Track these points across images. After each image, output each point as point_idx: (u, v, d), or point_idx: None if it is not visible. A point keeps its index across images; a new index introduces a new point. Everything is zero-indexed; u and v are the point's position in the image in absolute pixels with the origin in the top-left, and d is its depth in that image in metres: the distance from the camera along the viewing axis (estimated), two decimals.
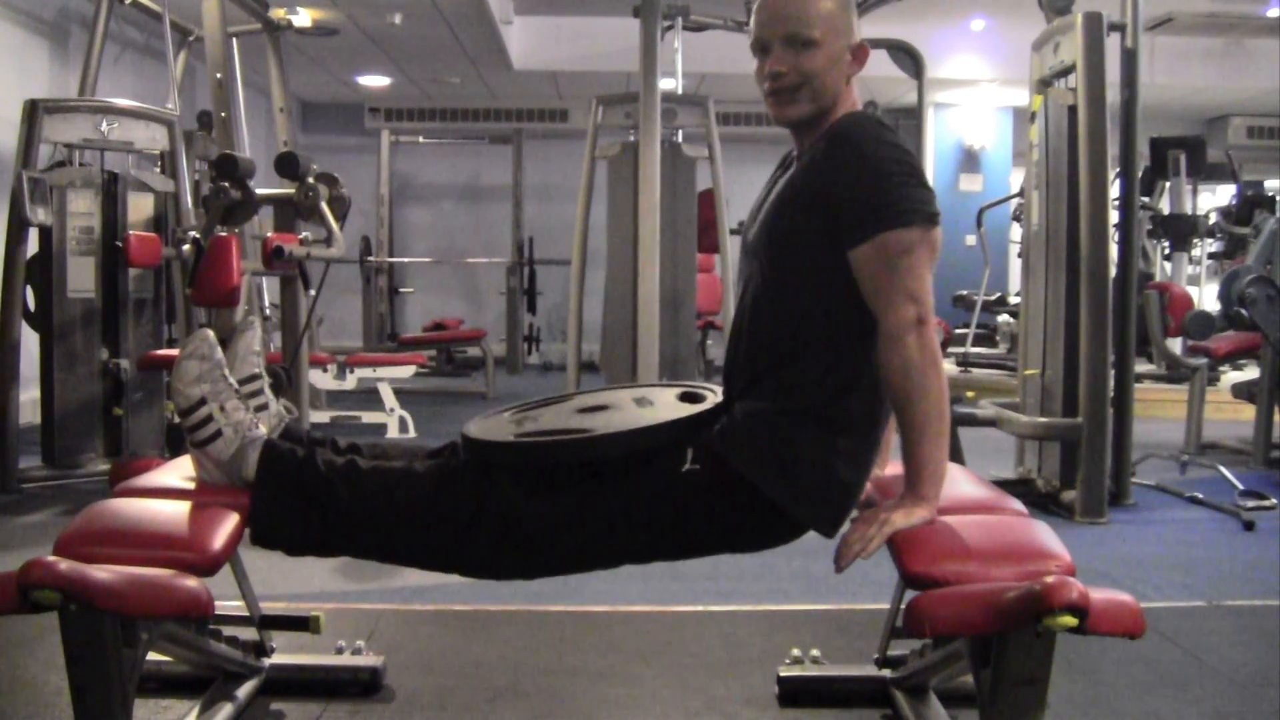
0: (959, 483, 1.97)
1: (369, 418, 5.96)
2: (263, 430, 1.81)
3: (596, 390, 1.99)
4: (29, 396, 4.65)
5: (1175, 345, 5.75)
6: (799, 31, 1.73)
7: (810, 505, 1.69)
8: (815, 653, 2.37)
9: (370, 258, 9.61)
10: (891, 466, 1.94)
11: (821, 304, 1.70)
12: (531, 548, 1.70)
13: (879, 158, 1.68)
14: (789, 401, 1.69)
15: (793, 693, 2.26)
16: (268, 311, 5.78)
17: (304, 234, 3.93)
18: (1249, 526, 3.94)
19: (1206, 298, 7.99)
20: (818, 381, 1.69)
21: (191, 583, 1.56)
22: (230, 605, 2.11)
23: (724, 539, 1.74)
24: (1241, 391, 5.68)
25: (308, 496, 1.72)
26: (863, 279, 1.66)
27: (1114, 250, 4.33)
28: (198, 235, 3.91)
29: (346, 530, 1.73)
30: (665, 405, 1.80)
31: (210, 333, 1.82)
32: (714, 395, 1.81)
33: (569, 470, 1.69)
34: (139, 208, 4.58)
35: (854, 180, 1.67)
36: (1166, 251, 7.46)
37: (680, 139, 6.44)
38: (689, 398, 1.83)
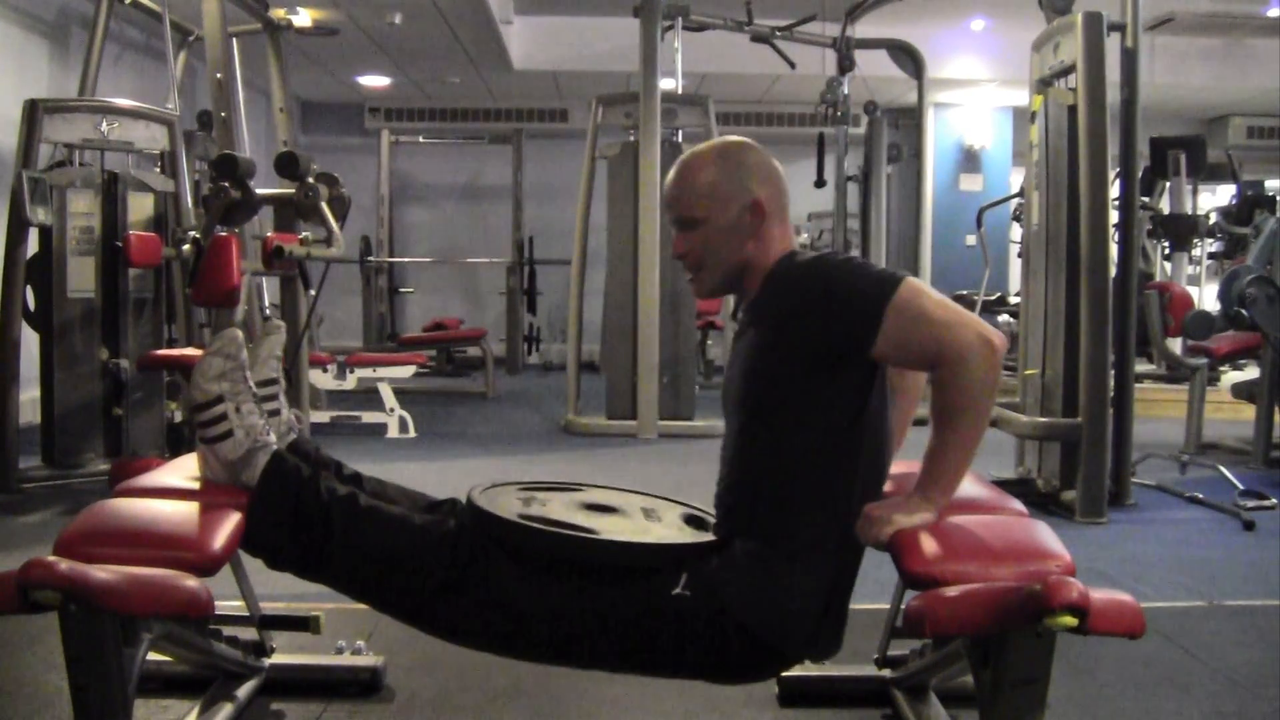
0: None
1: (369, 418, 5.96)
2: (273, 438, 1.82)
3: (607, 488, 1.99)
4: (29, 396, 4.65)
5: (1175, 345, 5.75)
6: (681, 214, 1.80)
7: (805, 645, 1.71)
8: None
9: (370, 258, 9.61)
10: (899, 464, 1.94)
11: (811, 441, 1.70)
12: (507, 629, 1.70)
13: (830, 270, 1.71)
14: (786, 542, 1.69)
15: (793, 693, 2.26)
16: (268, 311, 5.78)
17: (304, 234, 3.94)
18: (1249, 526, 3.94)
19: (1206, 298, 7.99)
20: (813, 516, 1.70)
21: (191, 583, 1.56)
22: (230, 605, 2.11)
23: (698, 666, 1.72)
24: (1241, 391, 5.68)
25: (303, 517, 1.73)
26: (905, 352, 1.66)
27: (1114, 250, 4.33)
28: (198, 235, 3.92)
29: (331, 560, 1.73)
30: (670, 524, 1.82)
31: (240, 334, 1.83)
32: (714, 522, 1.82)
33: (565, 565, 1.69)
34: (139, 208, 4.58)
35: (831, 297, 1.67)
36: (1166, 251, 7.45)
37: (680, 139, 6.44)
38: (694, 521, 1.85)
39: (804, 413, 1.70)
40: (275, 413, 1.92)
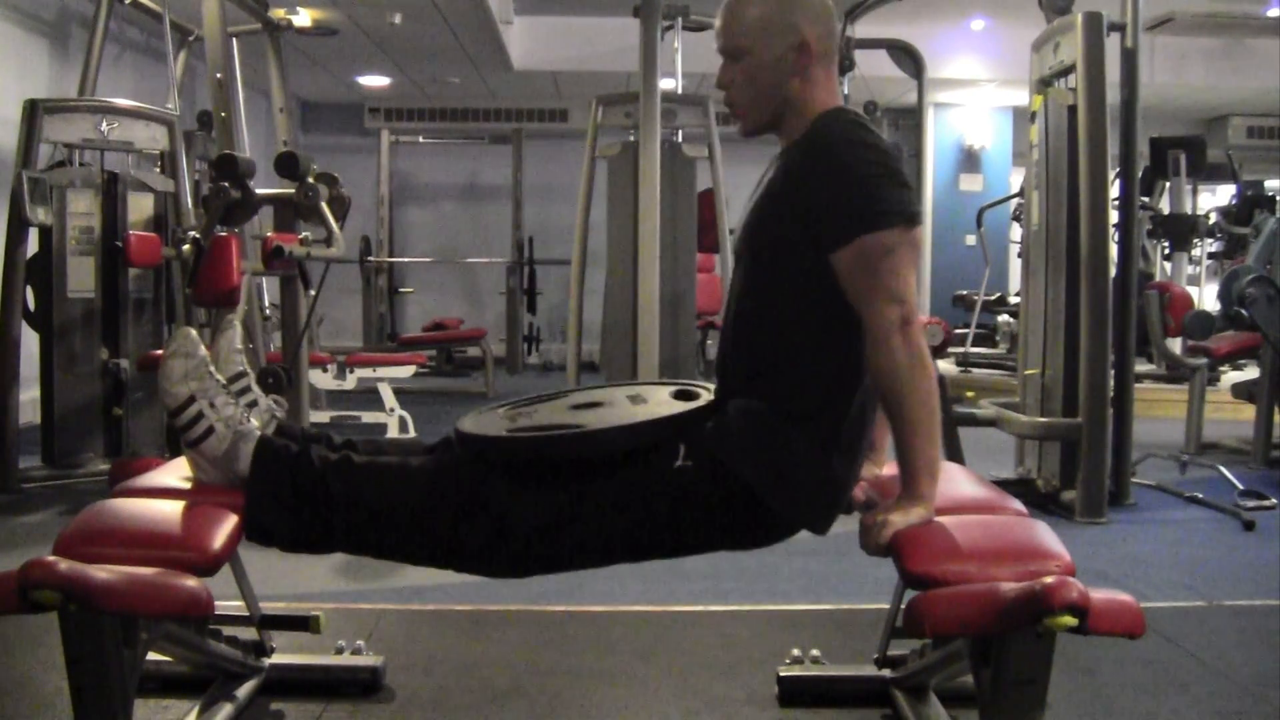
0: (959, 483, 1.98)
1: (369, 418, 5.96)
2: (255, 424, 1.80)
3: (591, 387, 1.98)
4: (29, 396, 4.65)
5: (1175, 345, 5.76)
6: (726, 44, 1.79)
7: (803, 504, 1.70)
8: (815, 652, 2.36)
9: (370, 258, 9.61)
10: (890, 466, 1.94)
11: (807, 307, 1.71)
12: (524, 544, 1.69)
13: (855, 159, 1.68)
14: (782, 402, 1.69)
15: (793, 692, 2.26)
16: (268, 311, 5.78)
17: (304, 234, 3.93)
18: (1249, 526, 3.94)
19: (1206, 298, 7.99)
20: (808, 382, 1.70)
21: (191, 582, 1.56)
22: (230, 605, 2.11)
23: (715, 536, 1.73)
24: (1241, 391, 5.68)
25: (302, 492, 1.72)
26: (845, 282, 1.66)
27: (1114, 250, 4.33)
28: (198, 235, 3.91)
29: (341, 526, 1.72)
30: (659, 402, 1.80)
31: (192, 330, 1.82)
32: (707, 393, 1.81)
33: (562, 466, 1.69)
34: (139, 208, 4.58)
35: (830, 185, 1.67)
36: (1166, 251, 7.46)
37: (680, 139, 6.43)
38: (683, 395, 1.82)
39: (805, 274, 1.69)
40: (253, 404, 1.91)
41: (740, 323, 1.77)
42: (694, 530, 1.71)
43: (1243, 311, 4.78)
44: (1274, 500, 4.23)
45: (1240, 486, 4.28)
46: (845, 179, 1.67)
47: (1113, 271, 4.21)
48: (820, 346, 1.71)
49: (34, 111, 4.26)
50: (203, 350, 1.80)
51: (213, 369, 1.81)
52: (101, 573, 1.44)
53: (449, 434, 1.83)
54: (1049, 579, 1.36)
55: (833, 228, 1.65)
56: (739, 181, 6.90)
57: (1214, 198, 9.70)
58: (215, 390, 1.78)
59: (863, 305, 1.65)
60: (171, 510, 1.73)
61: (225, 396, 1.79)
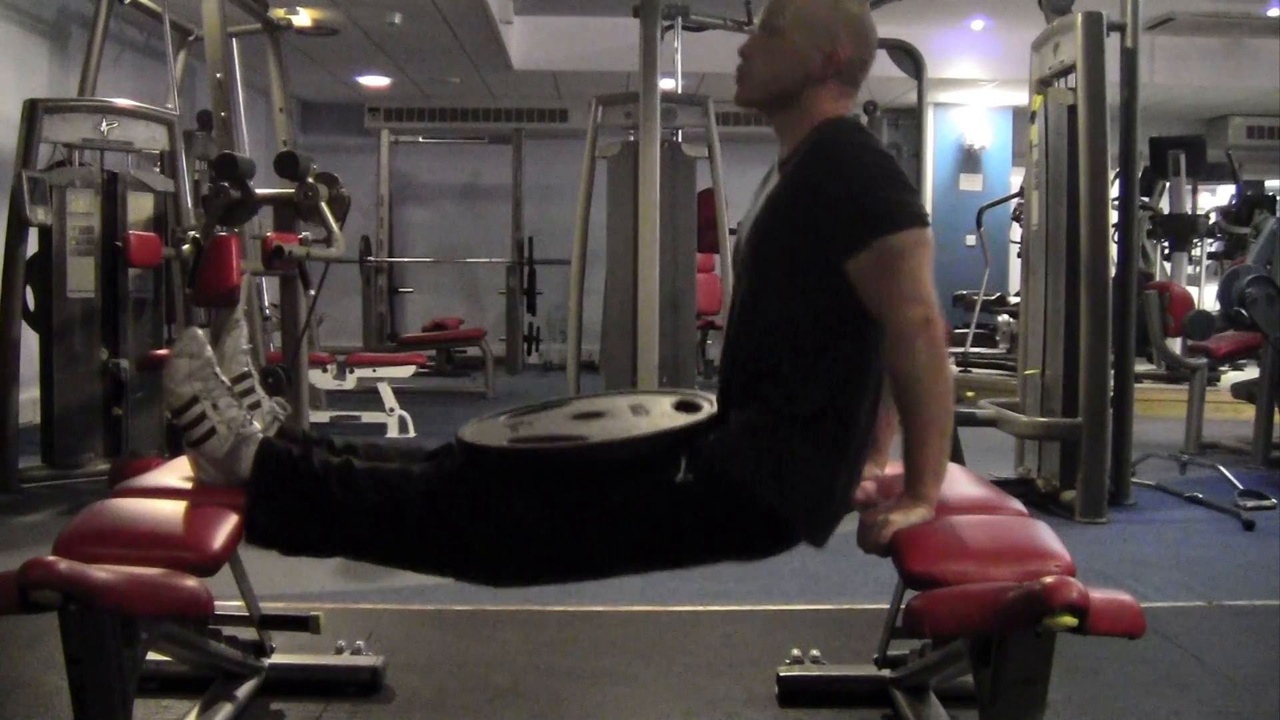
0: (959, 483, 1.97)
1: (369, 418, 5.96)
2: (257, 427, 1.80)
3: (593, 396, 1.98)
4: (29, 396, 4.65)
5: (1175, 345, 5.76)
6: (769, 18, 1.81)
7: (805, 512, 1.70)
8: (815, 653, 2.37)
9: (370, 258, 9.61)
10: (892, 466, 1.94)
11: (811, 315, 1.70)
12: (525, 554, 1.69)
13: (861, 165, 1.69)
14: (784, 411, 1.69)
15: (793, 692, 2.26)
16: (267, 311, 5.78)
17: (304, 234, 3.93)
18: (1249, 526, 3.94)
19: (1206, 298, 7.99)
20: (811, 390, 1.69)
21: (191, 582, 1.56)
22: (230, 605, 2.11)
23: (716, 549, 1.74)
24: (1241, 391, 5.68)
25: (303, 495, 1.72)
26: (864, 288, 1.66)
27: (1114, 250, 4.33)
28: (198, 235, 3.91)
29: (341, 530, 1.73)
30: (661, 414, 1.79)
31: (199, 331, 1.82)
32: (709, 405, 1.80)
33: (563, 477, 1.68)
34: (139, 208, 4.58)
35: (840, 191, 1.67)
36: (1166, 251, 7.47)
37: (680, 139, 6.43)
38: (685, 407, 1.82)
39: (809, 283, 1.69)
40: (256, 405, 1.91)
41: (745, 335, 1.77)
42: (695, 543, 1.71)
43: (1243, 311, 4.78)
44: (1274, 500, 4.23)
45: (1240, 486, 4.28)
46: (856, 185, 1.67)
47: (1113, 271, 4.21)
48: (827, 357, 1.70)
49: (34, 111, 4.26)
50: (209, 351, 1.80)
51: (218, 370, 1.81)
52: (101, 573, 1.44)
53: (450, 441, 1.83)
54: (1049, 579, 1.36)
55: (847, 234, 1.65)
56: (739, 181, 6.90)
57: (1214, 198, 9.69)
58: (219, 391, 1.79)
59: (884, 308, 1.64)
60: (171, 510, 1.73)
61: (228, 398, 1.79)
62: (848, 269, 1.65)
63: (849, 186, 1.67)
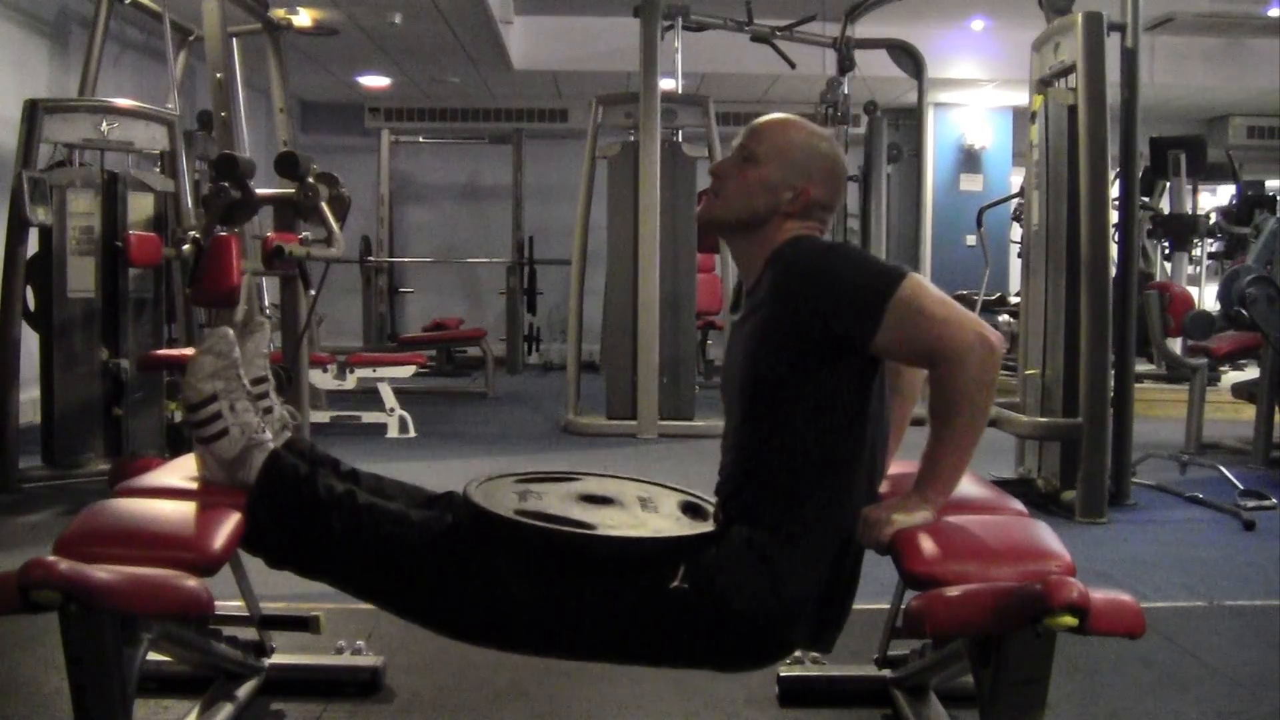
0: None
1: (369, 418, 5.96)
2: (269, 435, 1.81)
3: (603, 476, 1.98)
4: (29, 396, 4.65)
5: (1175, 345, 5.76)
6: (748, 145, 1.84)
7: (805, 632, 1.71)
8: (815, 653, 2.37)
9: (370, 258, 9.61)
10: (898, 465, 1.93)
11: (812, 430, 1.70)
12: (507, 623, 1.70)
13: (834, 256, 1.75)
14: (786, 528, 1.69)
15: (793, 692, 2.26)
16: (268, 311, 5.78)
17: (304, 234, 3.92)
18: (1249, 526, 3.94)
19: (1206, 298, 7.99)
20: (814, 505, 1.70)
21: (191, 582, 1.56)
22: (230, 605, 2.11)
23: (700, 657, 1.74)
24: (1241, 391, 5.68)
25: (302, 515, 1.73)
26: (902, 346, 1.66)
27: (1114, 250, 4.33)
28: (198, 235, 3.90)
29: (331, 558, 1.74)
30: (667, 515, 1.81)
31: (231, 332, 1.83)
32: (713, 512, 1.81)
33: (562, 561, 1.69)
34: (139, 208, 4.58)
35: (829, 286, 1.69)
36: (1166, 251, 7.46)
37: (680, 139, 6.44)
38: (691, 509, 1.84)
39: (806, 400, 1.70)
40: (269, 410, 1.92)
41: (744, 449, 1.77)
42: (679, 649, 1.71)
43: (1243, 311, 4.78)
44: (1274, 500, 4.23)
45: (1240, 486, 4.29)
46: (843, 281, 1.69)
47: (1113, 271, 4.21)
48: (821, 464, 1.71)
49: (34, 111, 4.26)
50: (237, 353, 1.82)
51: (242, 373, 1.82)
52: (101, 573, 1.44)
53: (451, 491, 1.84)
54: (1049, 579, 1.36)
55: (860, 315, 1.65)
56: None
57: (1214, 198, 9.70)
58: (239, 394, 1.80)
59: (933, 346, 1.63)
60: (172, 510, 1.73)
61: (246, 402, 1.80)
62: (876, 348, 1.66)
63: (836, 287, 1.69)
